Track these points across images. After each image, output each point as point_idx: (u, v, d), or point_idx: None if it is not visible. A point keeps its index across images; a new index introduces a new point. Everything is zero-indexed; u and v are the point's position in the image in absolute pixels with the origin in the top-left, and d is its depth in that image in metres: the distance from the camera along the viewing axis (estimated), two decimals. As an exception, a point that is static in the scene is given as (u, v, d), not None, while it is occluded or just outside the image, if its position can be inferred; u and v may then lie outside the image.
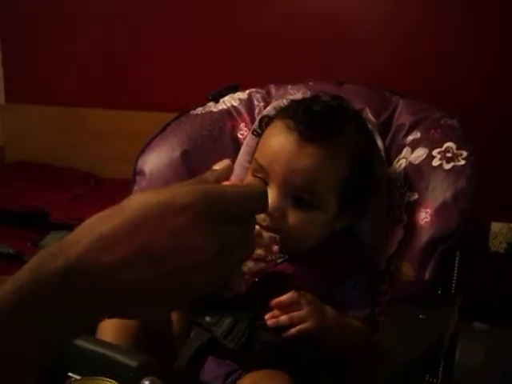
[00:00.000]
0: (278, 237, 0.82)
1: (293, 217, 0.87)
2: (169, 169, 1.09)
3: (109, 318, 0.51)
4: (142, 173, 1.11)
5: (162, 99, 2.13)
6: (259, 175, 0.91)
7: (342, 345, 0.85)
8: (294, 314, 0.82)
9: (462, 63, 1.77)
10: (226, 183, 0.56)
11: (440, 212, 0.92)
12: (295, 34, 2.01)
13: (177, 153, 1.10)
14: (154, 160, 1.11)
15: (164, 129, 1.16)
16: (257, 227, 0.83)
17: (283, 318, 0.82)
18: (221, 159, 1.09)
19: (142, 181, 1.11)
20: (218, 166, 0.57)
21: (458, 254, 1.05)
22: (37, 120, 2.56)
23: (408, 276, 0.92)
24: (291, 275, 0.90)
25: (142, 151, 1.14)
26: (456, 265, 0.99)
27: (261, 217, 0.86)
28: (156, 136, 1.15)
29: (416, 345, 0.79)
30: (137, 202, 0.48)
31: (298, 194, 0.88)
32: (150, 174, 1.10)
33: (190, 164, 1.10)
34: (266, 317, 0.83)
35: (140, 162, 1.12)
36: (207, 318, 0.88)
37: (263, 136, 0.96)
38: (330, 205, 0.90)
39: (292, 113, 0.91)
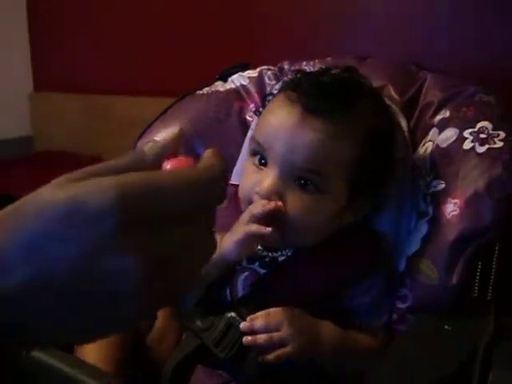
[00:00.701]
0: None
1: (294, 201, 0.75)
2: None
3: None
4: (140, 158, 1.00)
5: (187, 84, 2.05)
6: (258, 156, 0.79)
7: (345, 368, 0.73)
8: (275, 334, 0.71)
9: (500, 35, 1.59)
10: (168, 164, 0.41)
11: (471, 204, 0.78)
12: (311, 5, 1.85)
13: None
14: (153, 144, 1.00)
15: (165, 111, 1.06)
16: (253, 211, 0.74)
17: (261, 338, 0.71)
18: (226, 143, 1.03)
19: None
20: (160, 135, 0.45)
21: (495, 252, 0.89)
22: (64, 108, 2.54)
23: (432, 279, 0.78)
24: (293, 276, 0.78)
25: (141, 135, 1.03)
26: (493, 266, 0.83)
27: (257, 202, 0.75)
28: (157, 119, 1.05)
29: (439, 363, 0.66)
30: (31, 205, 0.35)
31: (301, 175, 0.76)
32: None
33: (193, 149, 0.98)
34: (242, 326, 0.72)
35: (139, 146, 1.01)
36: (198, 322, 0.77)
37: (263, 111, 0.84)
38: (339, 190, 0.77)
39: (296, 85, 0.79)
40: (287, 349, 0.71)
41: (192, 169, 0.40)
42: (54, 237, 0.33)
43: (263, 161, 0.78)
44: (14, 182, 2.24)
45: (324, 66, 0.97)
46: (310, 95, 0.75)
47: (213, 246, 0.41)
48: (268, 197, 0.75)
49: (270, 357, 0.71)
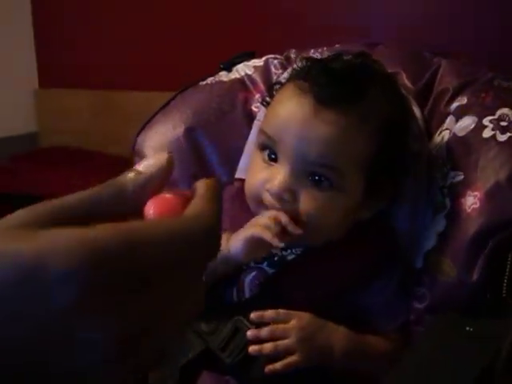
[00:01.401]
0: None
1: (307, 199, 0.71)
2: (170, 149, 0.94)
3: None
4: (140, 153, 0.97)
5: (192, 76, 2.01)
6: (267, 150, 0.74)
7: (358, 373, 0.69)
8: (281, 343, 0.66)
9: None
10: (151, 207, 0.33)
11: (492, 196, 0.73)
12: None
13: (179, 130, 0.94)
14: (154, 139, 0.96)
15: (168, 103, 1.02)
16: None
17: (267, 347, 0.67)
18: (231, 136, 0.98)
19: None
20: (144, 166, 0.34)
21: None
22: (70, 104, 2.54)
23: (451, 277, 0.74)
24: (303, 275, 0.73)
25: (142, 129, 0.99)
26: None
27: (267, 200, 0.71)
28: (158, 111, 1.01)
29: (461, 367, 0.61)
30: None
31: (314, 171, 0.71)
32: (149, 155, 0.94)
33: (196, 143, 0.94)
34: (249, 333, 0.67)
35: (139, 140, 0.98)
36: (203, 325, 0.73)
37: (272, 102, 0.79)
38: (354, 186, 0.73)
39: (306, 73, 0.75)
40: (295, 357, 0.67)
41: (180, 218, 0.32)
42: (13, 309, 0.27)
43: (273, 156, 0.73)
44: (20, 178, 2.23)
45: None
46: (322, 85, 0.71)
47: (200, 304, 0.34)
48: (280, 195, 0.70)
49: (277, 366, 0.67)
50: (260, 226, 0.70)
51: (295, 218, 0.71)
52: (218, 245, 0.33)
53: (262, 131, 0.76)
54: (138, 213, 0.33)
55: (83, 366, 0.28)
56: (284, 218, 0.69)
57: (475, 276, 0.71)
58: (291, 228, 0.69)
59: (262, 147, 0.75)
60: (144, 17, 2.28)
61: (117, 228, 0.29)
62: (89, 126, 2.47)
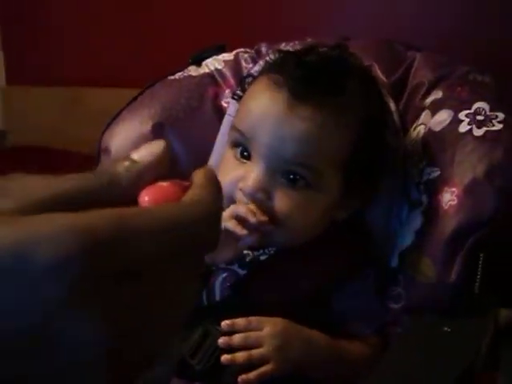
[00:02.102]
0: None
1: (282, 199, 0.68)
2: (137, 146, 0.88)
3: None
4: (106, 151, 0.93)
5: (162, 71, 1.98)
6: (239, 148, 0.71)
7: (336, 379, 0.66)
8: (255, 352, 0.64)
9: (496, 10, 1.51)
10: (146, 196, 0.31)
11: (470, 192, 0.71)
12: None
13: (147, 126, 0.91)
14: (121, 136, 0.93)
15: (135, 98, 0.99)
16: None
17: (240, 357, 0.64)
18: (201, 132, 0.95)
19: (106, 160, 0.92)
20: (139, 155, 0.32)
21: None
22: (39, 102, 2.49)
23: (428, 276, 0.71)
24: (276, 276, 0.70)
25: (108, 125, 0.96)
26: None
27: (240, 200, 0.68)
28: (125, 107, 0.97)
29: (441, 370, 0.59)
30: None
31: (289, 170, 0.69)
32: (115, 153, 0.91)
33: (164, 140, 0.90)
34: (220, 341, 0.64)
35: (105, 137, 0.94)
36: None
37: (244, 97, 0.76)
38: (331, 185, 0.71)
39: (280, 66, 0.72)
40: (269, 366, 0.64)
41: (177, 204, 0.30)
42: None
43: (246, 153, 0.70)
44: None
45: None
46: (297, 79, 0.68)
47: (194, 298, 0.32)
48: (254, 194, 0.67)
49: (251, 376, 0.64)
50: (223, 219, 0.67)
51: (269, 218, 0.68)
52: (218, 234, 0.31)
53: (234, 128, 0.73)
54: (133, 203, 0.31)
55: (69, 365, 0.26)
56: (239, 209, 0.67)
57: (453, 275, 0.69)
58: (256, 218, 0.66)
59: (234, 144, 0.72)
60: (111, 11, 2.24)
61: (109, 214, 0.27)
62: (57, 124, 2.39)
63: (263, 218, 0.67)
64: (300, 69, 0.69)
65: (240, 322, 0.66)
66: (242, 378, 0.64)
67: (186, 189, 0.31)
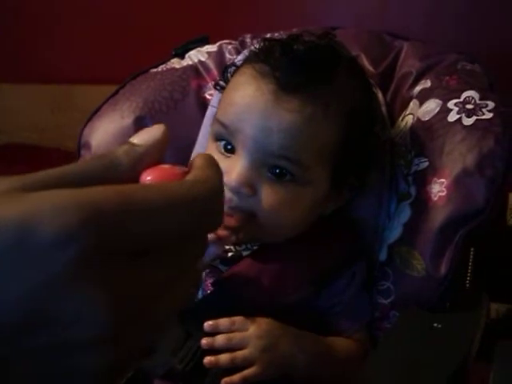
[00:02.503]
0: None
1: (268, 194, 0.66)
2: (118, 140, 0.88)
3: None
4: (87, 145, 0.90)
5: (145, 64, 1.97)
6: (223, 141, 0.69)
7: (324, 379, 0.64)
8: (239, 353, 0.61)
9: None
10: (148, 176, 0.31)
11: (460, 183, 0.68)
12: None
13: (128, 120, 0.88)
14: (102, 129, 0.90)
15: (116, 92, 0.96)
16: None
17: (223, 359, 0.61)
18: (183, 126, 0.92)
19: (87, 155, 0.90)
20: (139, 139, 0.32)
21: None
22: (26, 100, 2.47)
23: (417, 270, 0.69)
24: (260, 272, 0.68)
25: (89, 120, 0.93)
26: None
27: (226, 196, 0.65)
28: (106, 101, 0.95)
29: (431, 366, 0.57)
30: None
31: (276, 164, 0.66)
32: (96, 147, 0.89)
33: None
34: (203, 342, 0.62)
35: (85, 132, 0.92)
36: None
37: (227, 88, 0.73)
38: (320, 179, 0.68)
39: (266, 55, 0.68)
40: (254, 369, 0.62)
41: (181, 182, 0.30)
42: (3, 270, 0.24)
43: (229, 146, 0.68)
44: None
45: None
46: (284, 69, 0.65)
47: (198, 280, 0.33)
48: (238, 188, 0.65)
49: (235, 379, 0.61)
50: None
51: (254, 213, 0.65)
52: (222, 212, 0.31)
53: (217, 120, 0.70)
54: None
55: (73, 342, 0.26)
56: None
57: (443, 269, 0.67)
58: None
59: (218, 137, 0.69)
60: (97, 8, 2.23)
61: (113, 189, 0.27)
62: (45, 122, 2.41)
63: (224, 233, 0.64)
64: (287, 58, 0.66)
65: (223, 322, 0.63)
66: (225, 380, 0.61)
67: (185, 173, 0.31)
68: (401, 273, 0.71)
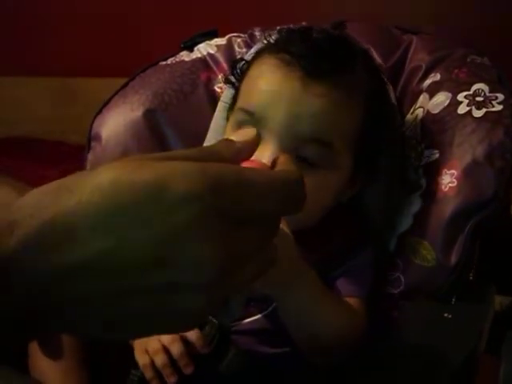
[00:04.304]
0: None
1: None
2: (128, 132, 0.89)
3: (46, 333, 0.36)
4: (97, 137, 0.91)
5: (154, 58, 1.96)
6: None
7: (324, 323, 0.64)
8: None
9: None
10: (246, 164, 0.38)
11: (470, 174, 0.69)
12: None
13: (137, 113, 0.89)
14: (112, 122, 0.90)
15: (126, 84, 0.97)
16: None
17: None
18: (193, 118, 0.93)
19: (97, 147, 0.91)
20: (237, 137, 0.39)
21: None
22: (28, 93, 2.45)
23: (427, 260, 0.70)
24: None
25: (99, 112, 0.94)
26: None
27: None
28: (116, 93, 0.95)
29: (443, 359, 0.58)
30: (105, 179, 0.31)
31: (306, 148, 0.66)
32: (106, 139, 0.89)
33: (156, 126, 0.89)
34: None
35: (96, 123, 0.92)
36: None
37: (248, 78, 0.74)
38: (345, 163, 0.70)
39: (285, 44, 0.70)
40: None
41: (277, 171, 0.39)
42: (133, 218, 0.30)
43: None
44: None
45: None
46: (309, 57, 0.67)
47: (272, 258, 0.37)
48: None
49: None
50: (147, 364, 0.65)
51: None
52: (303, 200, 0.37)
53: (240, 109, 0.70)
54: None
55: (181, 286, 0.31)
56: (176, 350, 0.64)
57: (453, 259, 0.68)
58: (183, 364, 0.64)
59: (241, 125, 0.69)
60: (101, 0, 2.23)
61: (233, 167, 0.34)
62: (47, 115, 2.40)
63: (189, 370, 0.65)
64: (308, 46, 0.68)
65: None
66: None
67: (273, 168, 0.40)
68: (410, 263, 0.71)
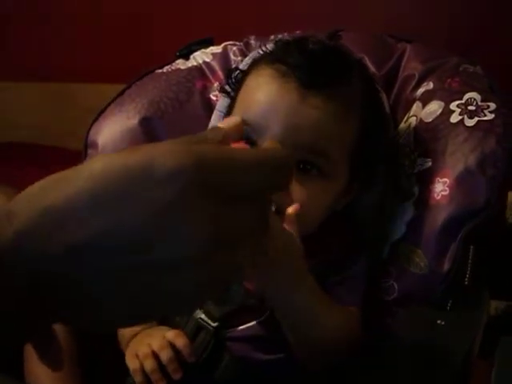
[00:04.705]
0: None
1: (298, 191, 0.67)
2: (124, 140, 0.89)
3: (40, 322, 0.35)
4: (94, 145, 0.92)
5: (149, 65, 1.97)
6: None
7: (322, 331, 0.64)
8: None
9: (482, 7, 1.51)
10: (234, 146, 0.40)
11: (462, 182, 0.70)
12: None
13: (133, 121, 0.90)
14: (108, 130, 0.91)
15: (122, 92, 0.97)
16: None
17: None
18: (189, 126, 0.94)
19: (93, 154, 0.92)
20: (223, 124, 0.41)
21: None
22: (24, 98, 2.44)
23: (420, 267, 0.70)
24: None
25: (95, 120, 0.95)
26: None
27: None
28: (112, 101, 0.96)
29: (433, 364, 0.58)
30: (99, 164, 0.33)
31: (303, 159, 0.68)
32: (102, 147, 0.90)
33: (152, 134, 0.89)
34: None
35: (92, 132, 0.93)
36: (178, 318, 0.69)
37: (245, 88, 0.74)
38: (342, 173, 0.71)
39: (282, 55, 0.71)
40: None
41: (262, 148, 0.42)
42: (123, 198, 0.32)
43: (252, 145, 0.69)
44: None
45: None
46: (306, 68, 0.68)
47: (267, 236, 0.38)
48: None
49: None
50: (137, 369, 0.66)
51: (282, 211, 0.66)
52: (290, 175, 0.37)
53: None
54: None
55: (173, 259, 0.32)
56: (165, 356, 0.65)
57: (446, 266, 0.69)
58: (171, 370, 0.65)
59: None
60: (100, 7, 2.23)
61: (217, 146, 0.36)
62: (45, 121, 2.40)
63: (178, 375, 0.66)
64: (305, 58, 0.69)
65: None
66: None
67: None
68: (403, 270, 0.72)
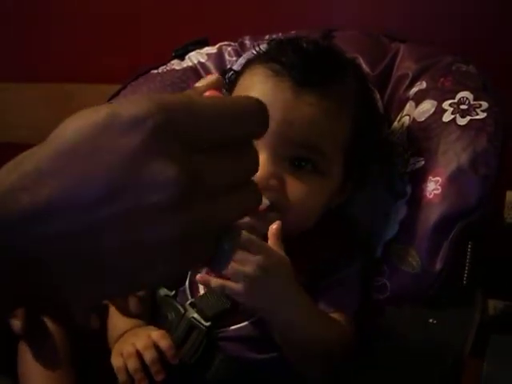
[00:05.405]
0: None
1: (294, 184, 0.68)
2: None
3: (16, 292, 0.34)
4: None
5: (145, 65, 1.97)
6: None
7: (312, 341, 0.64)
8: (235, 266, 0.59)
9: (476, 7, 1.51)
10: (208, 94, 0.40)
11: (454, 181, 0.71)
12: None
13: (129, 121, 0.89)
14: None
15: (118, 93, 0.98)
16: None
17: (214, 282, 0.62)
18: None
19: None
20: (201, 82, 0.41)
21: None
22: (19, 98, 2.43)
23: (413, 266, 0.71)
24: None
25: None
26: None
27: None
28: (108, 101, 0.96)
29: (424, 362, 0.58)
30: (71, 125, 0.34)
31: (298, 155, 0.68)
32: None
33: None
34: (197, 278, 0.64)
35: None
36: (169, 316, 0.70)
37: (239, 88, 0.75)
38: (336, 169, 0.72)
39: (276, 54, 0.72)
40: (234, 285, 0.60)
41: (230, 97, 0.44)
42: (89, 152, 0.32)
43: None
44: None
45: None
46: (300, 67, 0.69)
47: (257, 192, 0.37)
48: (266, 182, 0.66)
49: (214, 281, 0.62)
50: (120, 368, 0.66)
51: (283, 205, 0.67)
52: (267, 122, 0.36)
53: None
54: None
55: (149, 205, 0.31)
56: (149, 356, 0.65)
57: (438, 265, 0.69)
58: (154, 371, 0.65)
59: None
60: (95, 6, 2.23)
61: (180, 95, 0.36)
62: (40, 121, 2.40)
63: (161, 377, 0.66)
64: (299, 57, 0.70)
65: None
66: (200, 276, 0.63)
67: None
68: (396, 269, 0.72)
